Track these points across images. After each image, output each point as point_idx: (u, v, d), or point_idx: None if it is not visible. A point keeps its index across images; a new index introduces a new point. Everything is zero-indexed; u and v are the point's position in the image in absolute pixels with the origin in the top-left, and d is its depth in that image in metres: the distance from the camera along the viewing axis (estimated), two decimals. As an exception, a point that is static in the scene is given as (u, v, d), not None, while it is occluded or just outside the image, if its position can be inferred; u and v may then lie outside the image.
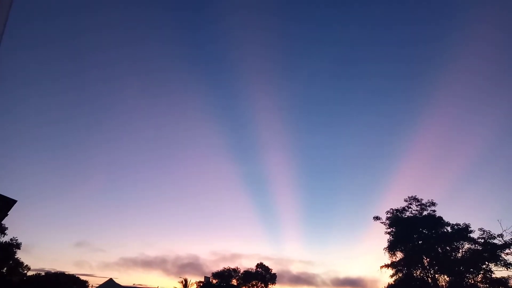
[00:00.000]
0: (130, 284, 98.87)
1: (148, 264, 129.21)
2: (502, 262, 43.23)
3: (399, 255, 50.21)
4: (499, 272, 43.57)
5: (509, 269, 42.92)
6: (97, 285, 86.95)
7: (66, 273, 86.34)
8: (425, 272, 48.04)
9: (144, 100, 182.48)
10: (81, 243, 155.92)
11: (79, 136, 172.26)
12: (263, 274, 79.91)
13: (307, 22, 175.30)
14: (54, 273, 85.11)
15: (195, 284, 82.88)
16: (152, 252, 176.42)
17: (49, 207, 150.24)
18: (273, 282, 79.91)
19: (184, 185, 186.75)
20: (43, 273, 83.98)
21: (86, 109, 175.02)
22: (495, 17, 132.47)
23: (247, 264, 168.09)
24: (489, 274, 43.46)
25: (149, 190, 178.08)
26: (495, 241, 44.65)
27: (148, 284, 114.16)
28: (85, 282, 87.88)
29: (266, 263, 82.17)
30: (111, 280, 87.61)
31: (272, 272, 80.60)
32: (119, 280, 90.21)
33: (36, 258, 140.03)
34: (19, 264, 65.74)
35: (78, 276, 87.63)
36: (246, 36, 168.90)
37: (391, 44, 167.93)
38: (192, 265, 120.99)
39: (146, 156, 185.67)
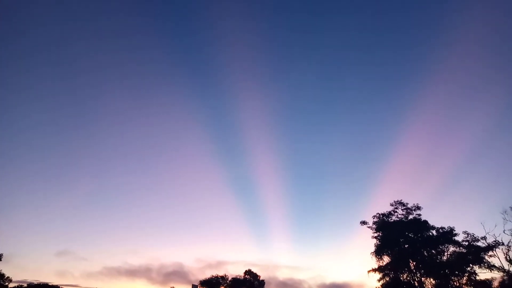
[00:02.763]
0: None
1: (132, 273, 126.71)
2: (485, 264, 44.05)
3: (386, 259, 50.63)
4: (483, 274, 44.40)
5: (492, 271, 43.71)
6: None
7: (50, 284, 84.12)
8: (411, 275, 48.45)
9: (131, 107, 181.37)
10: (63, 252, 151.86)
11: (62, 144, 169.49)
12: (252, 281, 79.32)
13: (295, 28, 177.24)
14: (37, 284, 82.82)
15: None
16: (136, 260, 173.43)
17: (30, 216, 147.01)
18: (262, 289, 79.37)
19: (168, 192, 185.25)
20: (25, 285, 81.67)
21: (71, 118, 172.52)
22: (481, 19, 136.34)
23: (233, 271, 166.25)
24: (473, 276, 44.18)
25: (131, 197, 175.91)
26: (479, 243, 45.58)
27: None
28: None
29: (252, 270, 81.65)
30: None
31: (260, 279, 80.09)
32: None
33: (18, 269, 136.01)
34: (0, 276, 63.77)
35: (62, 287, 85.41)
36: (235, 42, 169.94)
37: (377, 49, 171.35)
38: (177, 273, 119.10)
39: (130, 163, 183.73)
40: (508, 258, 43.62)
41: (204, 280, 79.13)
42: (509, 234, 44.77)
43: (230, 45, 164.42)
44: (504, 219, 45.50)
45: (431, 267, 46.56)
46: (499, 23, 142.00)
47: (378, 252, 50.88)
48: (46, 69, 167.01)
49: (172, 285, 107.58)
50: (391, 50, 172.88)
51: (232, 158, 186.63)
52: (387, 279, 49.56)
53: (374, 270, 50.71)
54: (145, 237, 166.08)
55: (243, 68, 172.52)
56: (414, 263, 48.64)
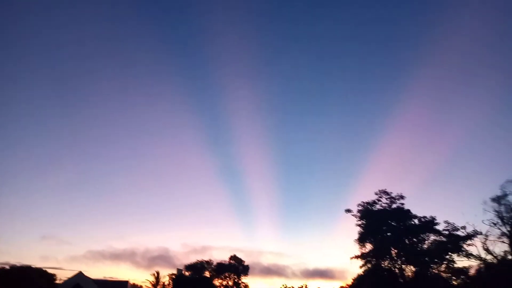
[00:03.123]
0: (100, 277, 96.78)
1: (116, 257, 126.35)
2: (464, 253, 45.53)
3: (369, 247, 51.60)
4: (461, 262, 45.88)
5: (470, 259, 45.22)
6: (66, 279, 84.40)
7: (33, 266, 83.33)
8: (392, 263, 49.70)
9: (117, 93, 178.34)
10: (47, 236, 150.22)
11: (45, 124, 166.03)
12: (236, 266, 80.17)
13: (286, 19, 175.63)
14: (20, 266, 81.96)
15: (168, 277, 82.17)
16: (120, 244, 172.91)
17: (13, 199, 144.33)
18: (246, 274, 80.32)
19: (154, 177, 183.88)
20: (7, 267, 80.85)
21: (56, 103, 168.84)
22: (472, 14, 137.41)
23: (218, 256, 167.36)
24: (451, 264, 45.59)
25: (116, 182, 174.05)
26: (459, 233, 46.90)
27: (119, 277, 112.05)
28: (53, 275, 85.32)
29: (237, 255, 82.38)
30: (80, 273, 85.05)
31: (245, 264, 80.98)
32: (88, 273, 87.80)
33: (0, 253, 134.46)
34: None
35: (46, 269, 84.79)
36: (226, 31, 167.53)
37: (367, 41, 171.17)
38: (163, 258, 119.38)
39: (115, 148, 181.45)
40: (485, 247, 45.16)
41: (189, 265, 79.58)
42: (487, 224, 46.29)
43: (221, 34, 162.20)
44: (484, 209, 46.97)
45: (412, 255, 47.79)
46: (491, 18, 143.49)
47: (361, 240, 51.79)
48: (29, 57, 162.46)
49: (157, 269, 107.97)
50: (382, 43, 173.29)
51: (219, 146, 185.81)
52: (369, 265, 50.67)
53: (357, 257, 51.71)
54: (130, 222, 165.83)
55: (233, 58, 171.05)
56: (395, 250, 49.82)
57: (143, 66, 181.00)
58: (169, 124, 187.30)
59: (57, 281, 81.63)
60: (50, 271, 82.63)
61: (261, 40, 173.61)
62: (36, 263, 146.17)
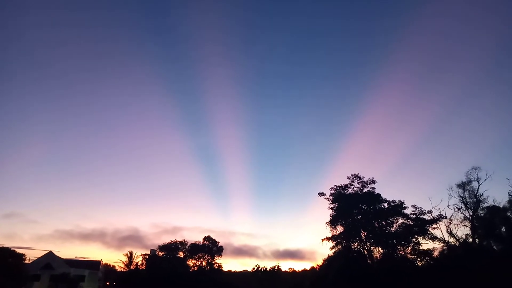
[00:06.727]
0: (71, 257, 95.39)
1: (86, 236, 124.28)
2: (429, 236, 47.69)
3: (340, 229, 52.96)
4: (426, 244, 48.03)
5: (434, 242, 47.41)
6: (36, 258, 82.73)
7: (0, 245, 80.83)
8: (362, 244, 51.32)
9: (88, 70, 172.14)
10: (10, 214, 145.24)
11: (11, 102, 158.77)
12: (211, 247, 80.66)
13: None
14: (-14, 246, 79.37)
15: (141, 257, 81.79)
16: (89, 224, 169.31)
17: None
18: (220, 255, 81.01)
19: (123, 155, 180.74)
20: (-27, 246, 78.05)
21: (24, 75, 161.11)
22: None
23: (190, 236, 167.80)
24: (417, 246, 47.58)
25: (84, 159, 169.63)
26: (425, 216, 48.98)
27: (90, 257, 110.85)
28: (22, 255, 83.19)
29: (210, 236, 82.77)
30: (50, 253, 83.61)
31: (219, 245, 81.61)
32: (58, 253, 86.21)
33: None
34: None
35: (14, 249, 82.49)
36: (202, 7, 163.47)
37: (348, 18, 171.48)
38: (133, 238, 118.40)
39: (84, 124, 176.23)
40: (449, 230, 47.43)
41: (162, 245, 79.36)
42: (452, 208, 48.49)
43: (198, 10, 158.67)
44: (449, 195, 49.15)
45: (380, 237, 49.47)
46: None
47: (333, 222, 53.03)
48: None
49: (128, 249, 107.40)
50: (363, 20, 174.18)
51: (195, 126, 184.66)
52: (339, 247, 52.16)
53: (328, 238, 53.06)
54: (98, 201, 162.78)
55: (210, 35, 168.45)
56: (365, 233, 51.43)
57: (115, 45, 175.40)
58: (143, 104, 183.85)
59: (26, 261, 79.59)
60: (17, 250, 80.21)
61: (241, 16, 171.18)
62: (0, 242, 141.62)
